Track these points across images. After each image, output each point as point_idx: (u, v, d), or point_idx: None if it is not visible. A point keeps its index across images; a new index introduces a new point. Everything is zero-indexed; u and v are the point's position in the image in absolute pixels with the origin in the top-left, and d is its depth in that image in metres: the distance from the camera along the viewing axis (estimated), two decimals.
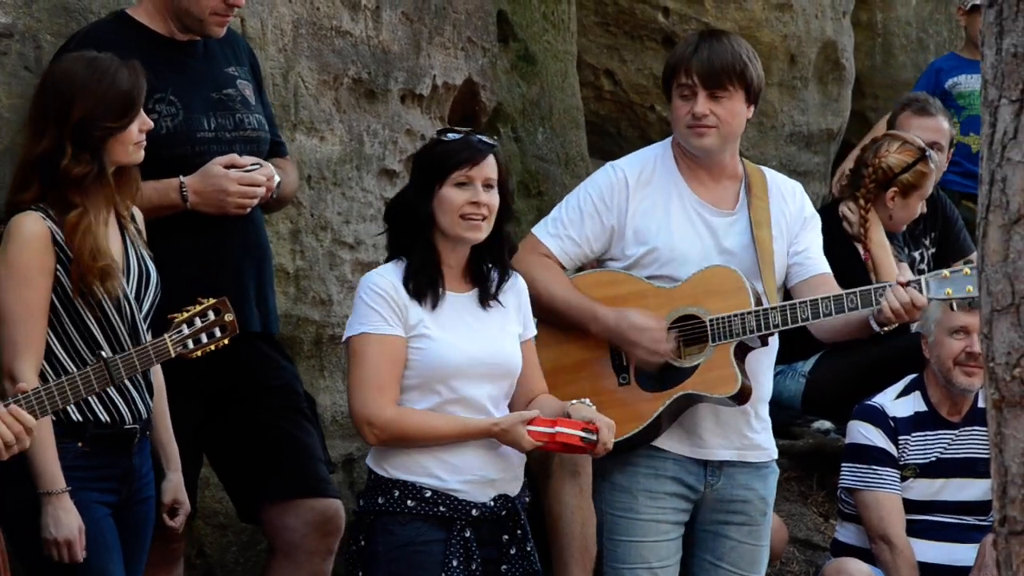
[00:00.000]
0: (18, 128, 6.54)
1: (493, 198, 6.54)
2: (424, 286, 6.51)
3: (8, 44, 6.75)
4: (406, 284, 6.51)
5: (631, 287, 7.03)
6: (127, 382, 6.30)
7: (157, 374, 6.60)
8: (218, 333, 6.23)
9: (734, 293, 6.95)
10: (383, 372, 6.50)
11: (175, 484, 6.68)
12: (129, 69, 6.31)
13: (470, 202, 6.48)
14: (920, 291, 6.83)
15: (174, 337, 6.16)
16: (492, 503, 6.55)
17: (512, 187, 6.84)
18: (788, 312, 6.86)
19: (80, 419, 6.21)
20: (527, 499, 6.96)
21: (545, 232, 7.10)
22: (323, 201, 7.91)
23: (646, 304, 6.99)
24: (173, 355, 6.18)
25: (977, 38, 10.54)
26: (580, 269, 7.18)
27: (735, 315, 6.89)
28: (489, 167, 6.56)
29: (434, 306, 6.51)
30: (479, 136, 6.79)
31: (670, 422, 7.00)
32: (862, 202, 8.87)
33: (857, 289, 6.93)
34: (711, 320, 6.91)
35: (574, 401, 6.69)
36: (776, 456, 7.29)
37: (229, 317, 6.25)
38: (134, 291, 6.37)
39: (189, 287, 6.43)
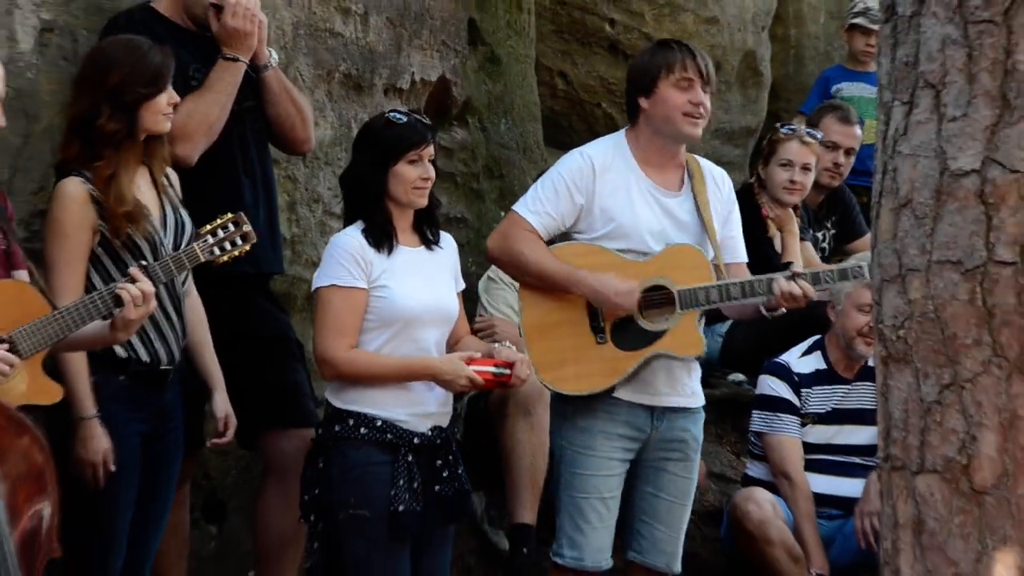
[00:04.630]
0: (57, 110, 6.53)
1: (434, 171, 6.65)
2: (381, 238, 6.55)
3: (49, 38, 6.75)
4: (367, 238, 6.55)
5: (605, 258, 7.03)
6: (162, 324, 6.38)
7: (197, 310, 6.67)
8: (239, 242, 6.22)
9: (697, 268, 6.98)
10: (344, 319, 6.52)
11: (222, 401, 6.75)
12: (160, 49, 6.34)
13: (421, 177, 6.56)
14: (815, 281, 6.89)
15: (201, 245, 6.14)
16: (430, 432, 6.57)
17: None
18: (746, 286, 6.91)
19: (124, 356, 6.24)
20: (457, 430, 7.07)
21: (526, 210, 7.07)
22: (316, 177, 7.95)
23: (620, 274, 6.99)
24: (202, 259, 6.14)
25: (855, 52, 10.66)
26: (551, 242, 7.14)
27: (700, 287, 6.91)
28: (432, 146, 6.64)
29: (390, 253, 6.56)
30: (420, 119, 6.78)
31: (635, 376, 7.05)
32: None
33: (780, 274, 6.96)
34: (678, 291, 6.93)
35: (496, 344, 6.80)
36: (704, 403, 7.31)
37: (247, 228, 6.23)
38: (171, 241, 6.40)
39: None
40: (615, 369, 7.01)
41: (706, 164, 7.35)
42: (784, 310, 6.99)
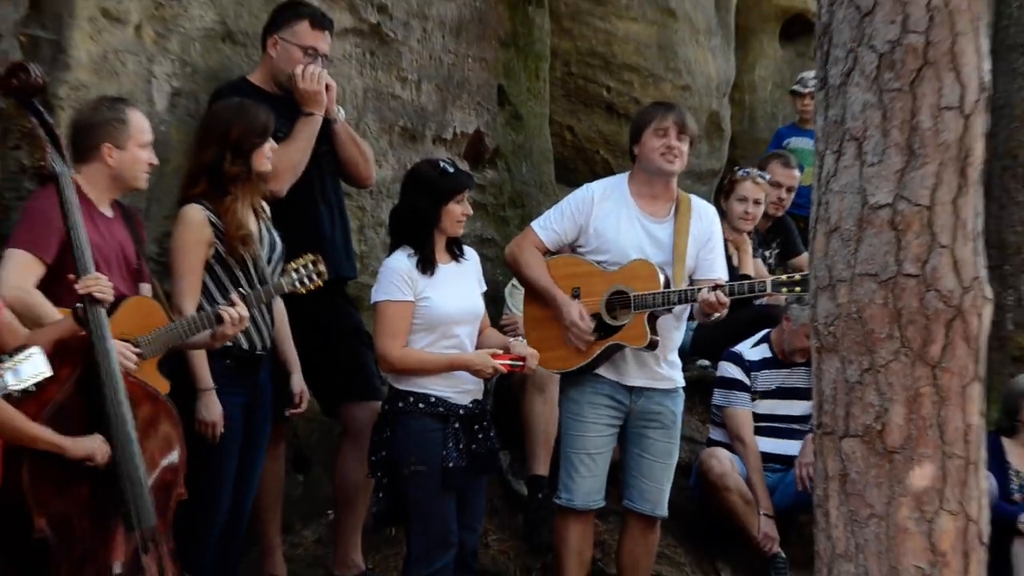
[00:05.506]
0: (183, 155, 6.52)
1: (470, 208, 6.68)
2: (427, 261, 6.53)
3: (177, 100, 6.77)
4: (416, 262, 6.51)
5: (586, 268, 7.06)
6: (259, 320, 6.35)
7: (281, 311, 6.64)
8: (315, 278, 6.28)
9: (650, 278, 6.94)
10: (396, 325, 6.50)
11: (298, 381, 6.75)
12: (264, 108, 6.37)
13: (463, 213, 6.58)
14: (731, 292, 6.87)
15: (287, 280, 6.23)
16: (470, 404, 6.56)
17: None
18: (681, 294, 6.87)
19: (229, 344, 6.20)
20: (489, 404, 7.01)
21: (539, 226, 7.16)
22: (379, 207, 7.89)
23: (593, 280, 7.03)
24: (286, 291, 6.26)
25: (801, 113, 10.56)
26: (555, 252, 7.18)
27: (648, 294, 6.89)
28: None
29: (432, 274, 6.52)
30: (464, 170, 6.91)
31: (606, 359, 7.02)
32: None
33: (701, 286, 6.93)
34: (634, 295, 6.91)
35: (512, 340, 6.78)
36: (683, 384, 7.27)
37: (322, 267, 6.28)
38: (266, 255, 6.39)
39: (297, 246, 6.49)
40: (584, 354, 7.04)
41: (696, 201, 7.32)
42: (716, 315, 6.93)
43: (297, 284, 6.28)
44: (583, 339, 6.99)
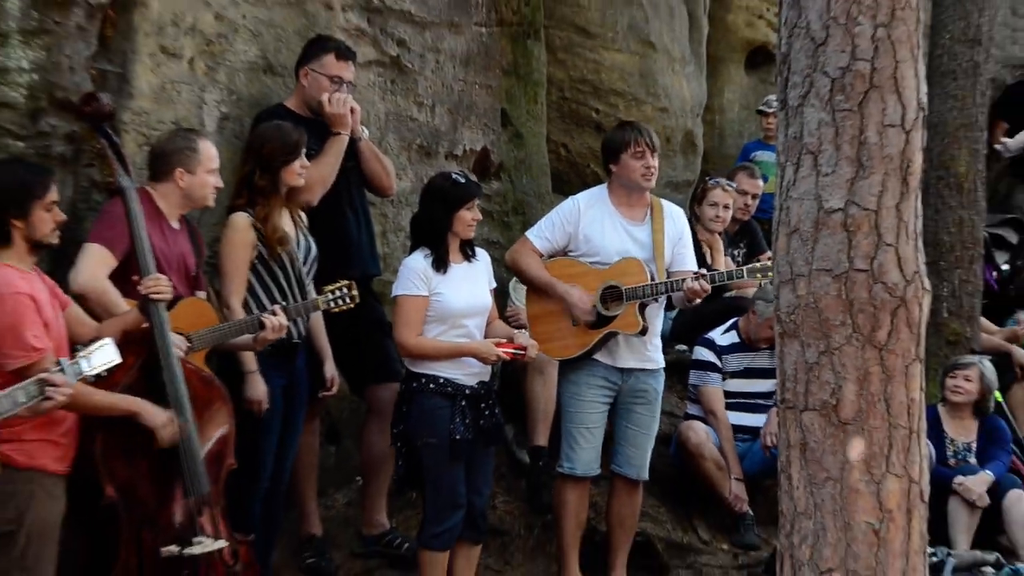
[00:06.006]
0: (230, 171, 6.48)
1: (480, 213, 6.69)
2: (441, 261, 6.53)
3: (225, 124, 6.78)
4: (431, 262, 6.52)
5: (580, 268, 7.09)
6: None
7: (313, 295, 6.56)
8: (348, 301, 6.30)
9: (638, 273, 6.99)
10: (412, 317, 6.50)
11: (330, 368, 6.78)
12: (296, 129, 6.37)
13: (473, 218, 6.59)
14: (712, 281, 6.96)
15: (324, 299, 6.26)
16: (476, 385, 6.55)
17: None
18: (668, 284, 6.94)
19: None
20: (495, 384, 7.04)
21: (533, 235, 7.18)
22: (400, 215, 7.86)
23: (588, 278, 7.05)
24: (322, 309, 6.31)
25: (766, 131, 10.53)
26: (550, 257, 7.19)
27: (638, 286, 6.94)
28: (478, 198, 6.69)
29: (445, 272, 6.52)
30: (473, 180, 6.91)
31: (602, 346, 7.05)
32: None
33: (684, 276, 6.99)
34: (625, 289, 6.95)
35: (516, 332, 6.79)
36: (663, 365, 7.31)
37: (355, 293, 6.30)
38: (302, 257, 6.40)
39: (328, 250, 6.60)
40: (583, 343, 7.07)
41: (667, 204, 7.35)
42: (699, 300, 7.00)
43: (331, 304, 6.31)
44: (587, 314, 7.01)
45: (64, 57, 5.97)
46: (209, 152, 5.97)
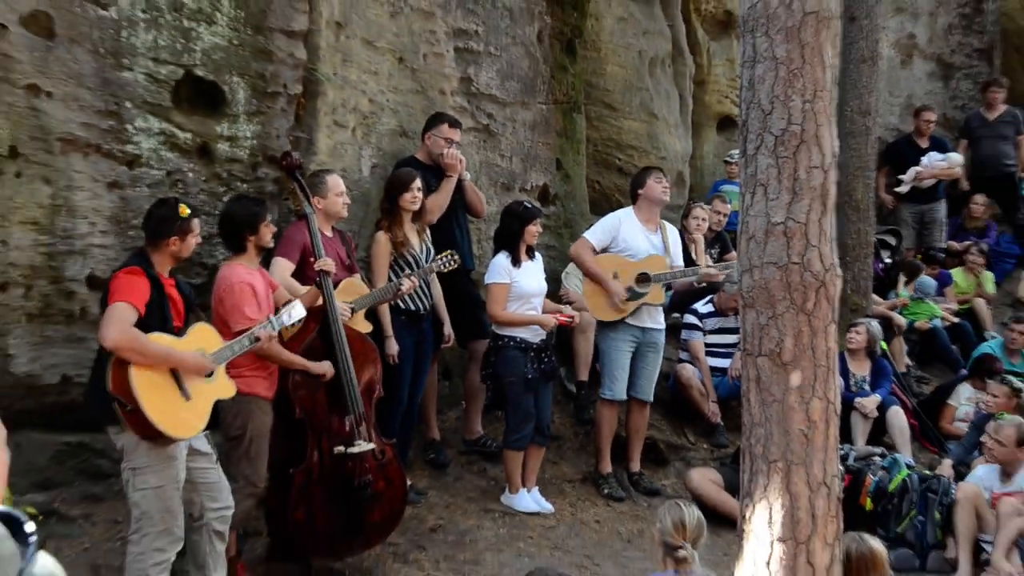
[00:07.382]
0: (376, 204, 6.50)
1: (541, 228, 6.67)
2: (517, 260, 6.49)
3: (375, 170, 6.73)
4: (510, 260, 6.49)
5: (620, 261, 7.02)
6: (421, 293, 6.30)
7: (437, 288, 6.60)
8: (452, 263, 6.27)
9: (661, 265, 6.99)
10: (499, 297, 6.46)
11: (448, 329, 6.71)
12: (410, 173, 6.34)
13: (537, 231, 6.57)
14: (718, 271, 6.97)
15: (436, 263, 6.22)
16: (540, 342, 6.53)
17: None
18: (685, 272, 7.03)
19: (404, 307, 6.24)
20: (553, 340, 6.97)
21: (590, 235, 7.11)
22: (488, 228, 7.71)
23: (626, 267, 7.00)
24: (435, 270, 6.26)
25: (729, 173, 10.31)
26: (600, 251, 7.10)
27: (662, 272, 6.96)
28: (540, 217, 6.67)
29: (519, 267, 6.48)
30: (537, 206, 6.85)
31: (633, 314, 7.01)
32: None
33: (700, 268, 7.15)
34: (653, 275, 6.96)
35: (563, 306, 6.77)
36: (665, 326, 7.25)
37: (456, 257, 6.30)
38: (424, 257, 6.34)
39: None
40: (623, 310, 6.99)
41: (666, 223, 7.33)
42: (705, 283, 7.18)
43: (441, 266, 6.25)
44: (621, 299, 6.94)
45: (272, 128, 6.02)
46: (334, 182, 5.85)
